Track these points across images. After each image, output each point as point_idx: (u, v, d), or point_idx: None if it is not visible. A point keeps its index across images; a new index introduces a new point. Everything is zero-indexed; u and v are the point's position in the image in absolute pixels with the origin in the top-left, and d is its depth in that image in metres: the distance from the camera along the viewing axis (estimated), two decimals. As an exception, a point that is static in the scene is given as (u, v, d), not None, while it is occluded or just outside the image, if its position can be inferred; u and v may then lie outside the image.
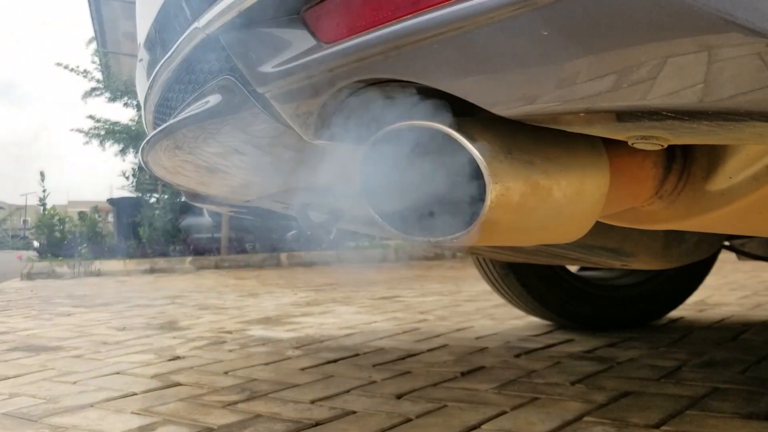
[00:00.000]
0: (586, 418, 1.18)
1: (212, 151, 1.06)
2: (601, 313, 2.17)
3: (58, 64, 9.06)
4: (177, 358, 1.89)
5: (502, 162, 0.66)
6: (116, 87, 8.82)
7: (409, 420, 1.21)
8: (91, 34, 9.51)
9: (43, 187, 8.91)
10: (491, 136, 0.67)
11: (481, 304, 3.02)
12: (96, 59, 9.28)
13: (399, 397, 1.37)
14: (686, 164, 0.88)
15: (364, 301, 3.35)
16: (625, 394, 1.34)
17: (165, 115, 1.18)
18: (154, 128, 1.24)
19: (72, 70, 9.05)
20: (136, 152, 8.74)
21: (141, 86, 1.33)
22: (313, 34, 0.74)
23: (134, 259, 7.36)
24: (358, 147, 0.76)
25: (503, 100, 0.62)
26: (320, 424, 1.19)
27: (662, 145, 0.67)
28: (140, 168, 8.68)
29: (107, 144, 9.04)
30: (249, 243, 8.47)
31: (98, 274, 6.89)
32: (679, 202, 0.90)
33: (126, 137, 8.89)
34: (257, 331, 2.38)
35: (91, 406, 1.38)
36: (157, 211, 8.55)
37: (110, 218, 11.36)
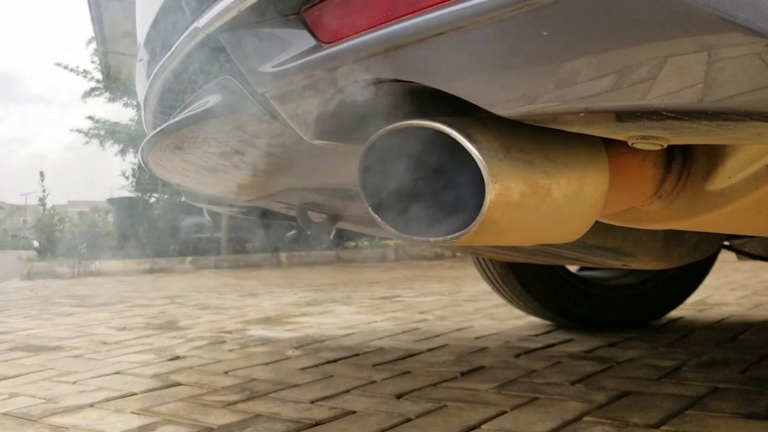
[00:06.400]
0: (585, 418, 1.18)
1: (212, 151, 1.06)
2: (601, 312, 2.17)
3: (58, 64, 9.07)
4: (177, 358, 1.89)
5: (501, 162, 0.66)
6: (116, 87, 8.82)
7: (408, 420, 1.21)
8: (91, 33, 9.51)
9: (43, 186, 8.93)
10: (490, 136, 0.67)
11: (481, 303, 3.02)
12: (96, 59, 9.29)
13: (399, 396, 1.37)
14: (686, 164, 0.88)
15: (363, 301, 3.35)
16: (625, 393, 1.34)
17: (165, 115, 1.18)
18: (154, 128, 1.24)
19: (72, 70, 9.06)
20: (136, 152, 8.74)
21: (141, 86, 1.33)
22: (312, 34, 0.74)
23: (134, 259, 7.36)
24: (358, 147, 0.76)
25: (503, 100, 0.62)
26: (320, 424, 1.19)
27: (662, 145, 0.67)
28: (140, 168, 8.68)
29: (107, 144, 9.04)
30: (249, 243, 8.47)
31: (98, 273, 6.89)
32: (679, 201, 0.90)
33: (126, 137, 8.89)
34: (257, 331, 2.38)
35: (91, 405, 1.38)
36: (156, 211, 8.56)
37: (110, 218, 11.37)
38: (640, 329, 2.15)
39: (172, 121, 1.08)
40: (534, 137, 0.70)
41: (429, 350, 1.88)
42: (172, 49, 1.00)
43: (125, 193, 9.78)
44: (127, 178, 9.37)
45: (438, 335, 2.14)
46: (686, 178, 0.88)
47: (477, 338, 2.07)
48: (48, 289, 5.12)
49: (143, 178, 9.03)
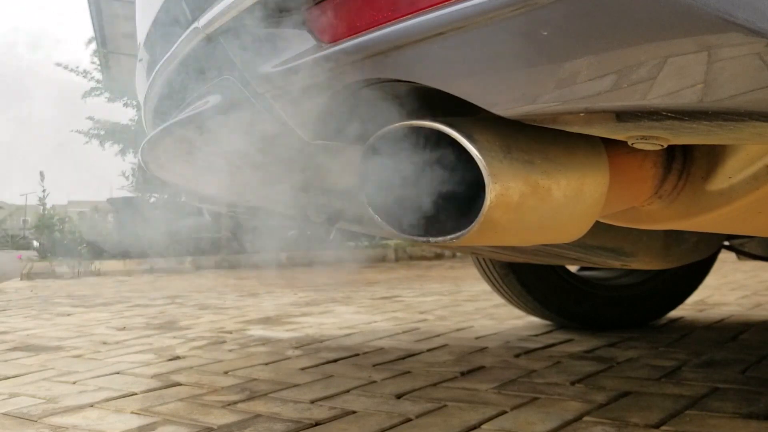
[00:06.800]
0: (585, 418, 1.18)
1: (212, 151, 1.06)
2: (601, 312, 2.17)
3: (58, 65, 9.07)
4: (177, 357, 1.89)
5: (501, 162, 0.66)
6: (116, 87, 8.82)
7: (408, 420, 1.21)
8: (91, 33, 9.51)
9: (43, 186, 8.91)
10: (491, 136, 0.67)
11: (481, 303, 3.02)
12: (96, 59, 9.28)
13: (399, 396, 1.37)
14: (686, 164, 0.88)
15: (363, 301, 3.35)
16: (624, 393, 1.34)
17: (165, 115, 1.18)
18: (154, 128, 1.25)
19: (72, 70, 9.06)
20: (136, 152, 8.74)
21: (141, 86, 1.33)
22: (313, 34, 0.74)
23: (134, 258, 7.36)
24: (358, 147, 0.76)
25: (503, 100, 0.62)
26: (320, 424, 1.19)
27: (662, 145, 0.68)
28: (140, 168, 8.68)
29: (107, 144, 9.04)
30: (249, 243, 8.47)
31: (98, 273, 6.89)
32: (679, 201, 0.90)
33: (126, 137, 8.89)
34: (257, 331, 2.38)
35: (91, 405, 1.38)
36: (156, 211, 8.56)
37: (110, 218, 11.36)
38: (640, 329, 2.15)
39: (172, 121, 1.08)
40: (534, 137, 0.70)
41: (429, 350, 1.88)
42: (173, 49, 1.00)
43: (125, 193, 9.78)
44: (127, 178, 9.37)
45: (438, 335, 2.14)
46: (686, 178, 0.88)
47: (477, 338, 2.07)
48: (48, 289, 5.12)
49: (143, 178, 9.02)
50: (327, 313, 2.88)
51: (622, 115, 0.60)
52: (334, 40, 0.71)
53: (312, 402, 1.35)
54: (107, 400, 1.42)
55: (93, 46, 9.46)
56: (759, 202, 0.86)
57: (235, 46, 0.82)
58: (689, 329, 2.13)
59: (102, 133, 8.96)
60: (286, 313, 2.96)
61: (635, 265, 1.44)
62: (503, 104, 0.62)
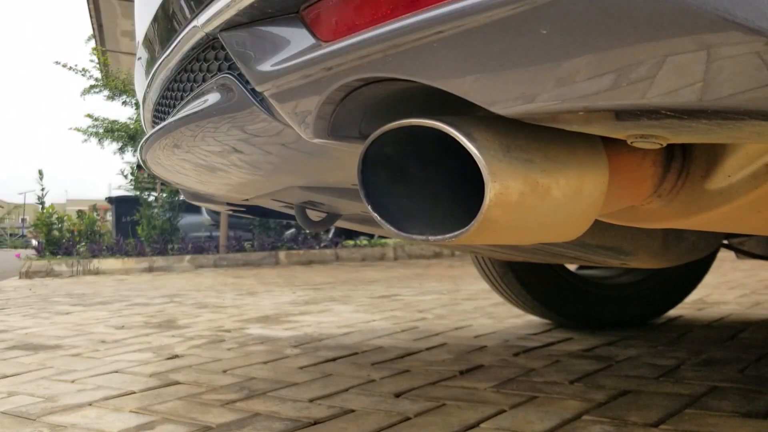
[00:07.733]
0: (584, 417, 1.18)
1: (210, 149, 1.06)
2: (600, 311, 2.17)
3: (57, 63, 9.05)
4: (175, 356, 1.89)
5: (500, 161, 0.66)
6: (115, 85, 8.81)
7: (407, 419, 1.21)
8: (90, 31, 9.50)
9: (42, 185, 8.88)
10: (490, 135, 0.67)
11: (480, 302, 3.02)
12: (94, 57, 9.27)
13: (398, 395, 1.37)
14: (685, 163, 0.88)
15: (362, 300, 3.35)
16: (623, 392, 1.34)
17: (163, 113, 1.18)
18: (153, 127, 1.24)
19: (71, 68, 9.04)
20: (135, 151, 8.74)
21: (139, 84, 1.33)
22: (311, 32, 0.74)
23: (132, 257, 7.35)
24: (357, 145, 0.76)
25: (502, 99, 0.62)
26: (319, 423, 1.19)
27: (661, 144, 0.67)
28: (138, 166, 8.67)
29: (106, 142, 9.03)
30: (247, 241, 8.47)
31: (97, 272, 6.88)
32: (678, 200, 0.90)
33: (124, 136, 8.88)
34: (256, 330, 2.38)
35: (90, 404, 1.38)
36: (155, 210, 8.56)
37: (109, 216, 11.37)
38: (640, 328, 2.16)
39: (170, 119, 1.08)
40: (533, 136, 0.70)
41: (428, 349, 1.88)
42: (171, 47, 1.00)
43: (124, 192, 9.77)
44: (125, 176, 9.36)
45: (437, 334, 2.14)
46: (685, 177, 0.88)
47: (476, 337, 2.07)
48: (47, 287, 5.12)
49: (141, 177, 9.02)
50: (326, 312, 2.88)
51: (622, 114, 0.60)
52: (333, 39, 0.71)
53: (311, 401, 1.35)
54: (106, 398, 1.42)
55: (92, 44, 9.45)
56: (758, 201, 0.86)
57: (234, 45, 0.81)
58: (688, 328, 2.13)
59: (100, 131, 8.95)
60: (284, 311, 2.96)
61: (634, 263, 1.44)
62: (502, 103, 0.62)
